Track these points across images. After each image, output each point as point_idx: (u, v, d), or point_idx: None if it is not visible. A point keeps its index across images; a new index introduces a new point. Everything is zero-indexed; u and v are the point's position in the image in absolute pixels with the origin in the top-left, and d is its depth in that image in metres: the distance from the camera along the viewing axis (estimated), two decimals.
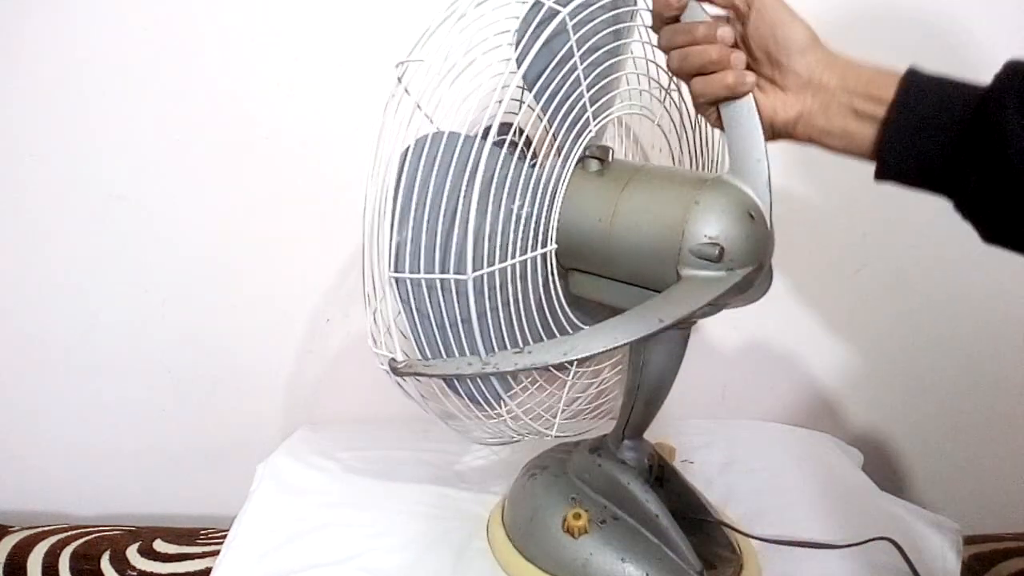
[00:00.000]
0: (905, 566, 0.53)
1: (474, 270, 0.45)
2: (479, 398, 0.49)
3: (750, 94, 0.44)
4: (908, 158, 0.41)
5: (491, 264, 0.46)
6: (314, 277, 0.77)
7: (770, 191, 0.44)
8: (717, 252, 0.42)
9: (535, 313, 0.49)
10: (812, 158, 0.63)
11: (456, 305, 0.46)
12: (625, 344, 0.44)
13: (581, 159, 0.51)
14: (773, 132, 0.45)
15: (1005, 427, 0.87)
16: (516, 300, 0.48)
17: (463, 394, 0.49)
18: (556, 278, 0.50)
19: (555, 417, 0.56)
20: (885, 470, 0.87)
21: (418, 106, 0.46)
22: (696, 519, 0.51)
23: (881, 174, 0.43)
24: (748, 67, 0.44)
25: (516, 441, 0.55)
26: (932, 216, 0.79)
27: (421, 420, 0.80)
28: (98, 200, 0.72)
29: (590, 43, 0.47)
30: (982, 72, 0.40)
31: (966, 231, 0.86)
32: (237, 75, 0.70)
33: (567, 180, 0.49)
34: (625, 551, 0.51)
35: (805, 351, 0.84)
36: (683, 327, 0.49)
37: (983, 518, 0.79)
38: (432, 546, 0.56)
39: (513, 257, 0.47)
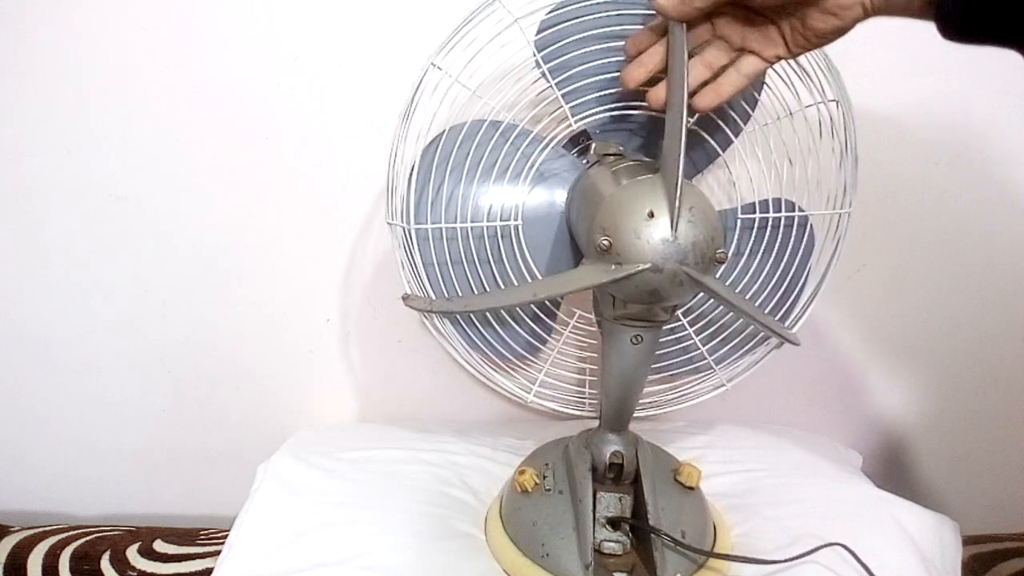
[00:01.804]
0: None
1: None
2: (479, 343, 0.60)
3: (679, 97, 0.44)
4: (968, 14, 0.39)
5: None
6: (314, 277, 0.77)
7: (679, 191, 0.43)
8: (606, 244, 0.44)
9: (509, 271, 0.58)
10: None
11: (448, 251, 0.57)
12: (506, 306, 0.57)
13: (594, 154, 0.57)
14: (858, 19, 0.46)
15: (1005, 427, 0.87)
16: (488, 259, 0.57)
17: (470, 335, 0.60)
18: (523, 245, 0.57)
19: (534, 384, 0.63)
20: (885, 470, 0.87)
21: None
22: (645, 527, 0.52)
23: (945, 34, 0.41)
24: (778, 23, 0.46)
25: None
26: (932, 215, 0.79)
27: (421, 420, 0.81)
28: (98, 200, 0.72)
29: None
30: None
31: (965, 231, 0.86)
32: (237, 75, 0.70)
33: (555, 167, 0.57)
34: (543, 518, 0.54)
35: (804, 351, 0.83)
36: (641, 327, 0.50)
37: (983, 518, 0.79)
38: (433, 543, 0.56)
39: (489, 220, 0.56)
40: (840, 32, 0.46)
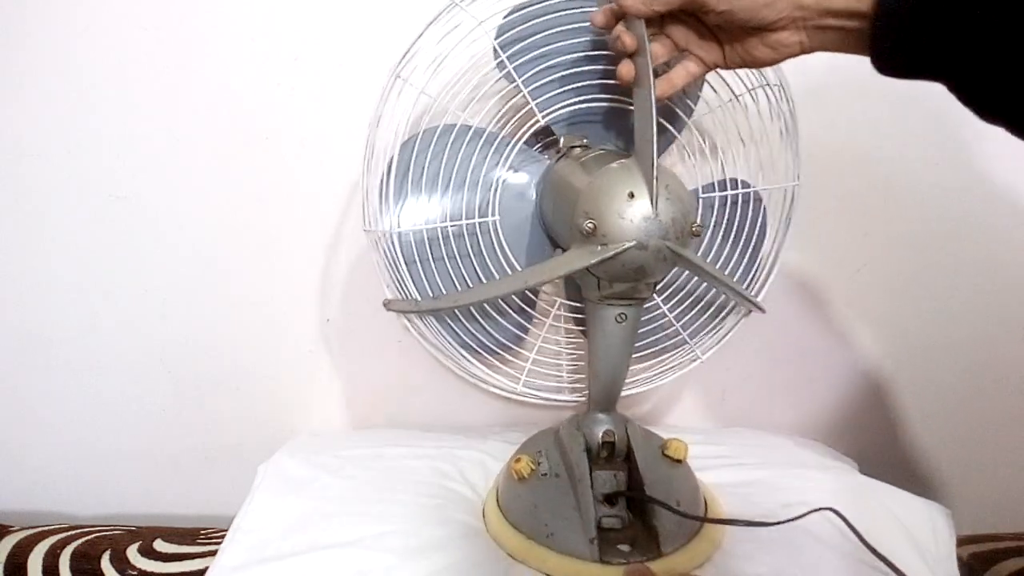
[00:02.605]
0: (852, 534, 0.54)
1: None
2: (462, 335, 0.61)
3: (646, 82, 0.47)
4: (898, 53, 0.43)
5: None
6: (314, 277, 0.77)
7: (655, 171, 0.45)
8: (591, 227, 0.47)
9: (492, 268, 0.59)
10: (812, 157, 0.63)
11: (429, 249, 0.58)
12: (498, 296, 0.58)
13: (561, 147, 0.59)
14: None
15: (1005, 427, 0.87)
16: (463, 255, 0.58)
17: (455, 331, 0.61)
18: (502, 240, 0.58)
19: (522, 374, 0.64)
20: (883, 470, 0.87)
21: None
22: (644, 498, 0.54)
23: (880, 70, 0.45)
24: (732, 41, 0.49)
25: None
26: (932, 215, 0.79)
27: (420, 419, 0.81)
28: (98, 200, 0.72)
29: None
30: None
31: (965, 231, 0.86)
32: (237, 75, 0.70)
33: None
34: (544, 502, 0.55)
35: (805, 351, 0.84)
36: (625, 305, 0.52)
37: (983, 518, 0.79)
38: (435, 529, 0.57)
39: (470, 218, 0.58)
40: (774, 63, 0.50)
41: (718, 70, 0.53)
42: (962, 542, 0.62)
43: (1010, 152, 0.77)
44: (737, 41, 0.49)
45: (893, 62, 0.44)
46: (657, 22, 0.50)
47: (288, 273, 0.76)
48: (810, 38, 0.47)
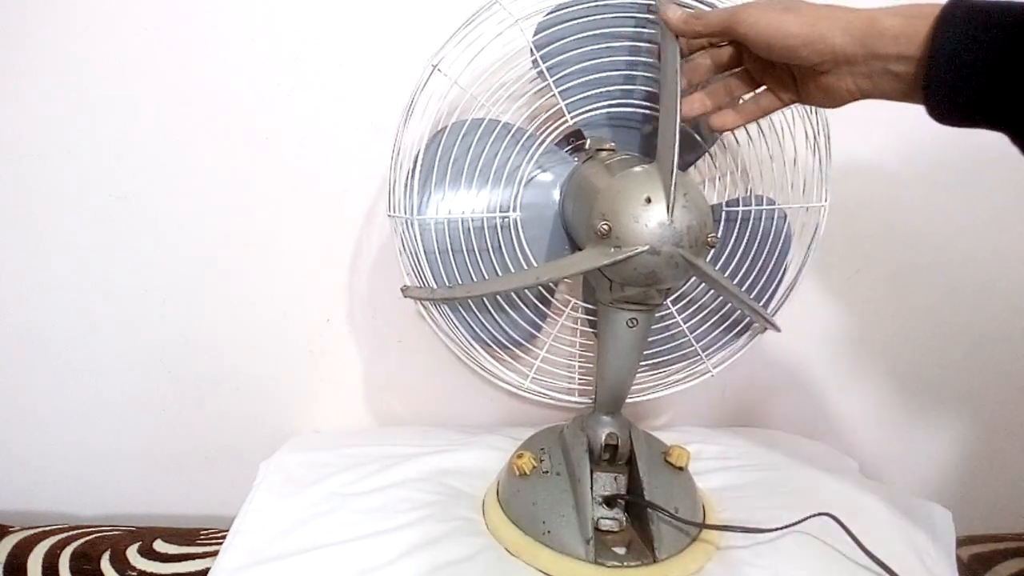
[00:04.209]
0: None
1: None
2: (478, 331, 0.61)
3: (673, 89, 0.47)
4: (955, 101, 0.41)
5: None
6: (314, 277, 0.77)
7: (674, 179, 0.46)
8: (606, 229, 0.47)
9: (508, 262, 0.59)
10: None
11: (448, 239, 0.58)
12: (510, 290, 0.57)
13: (588, 150, 0.59)
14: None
15: (1005, 427, 0.87)
16: (488, 248, 0.59)
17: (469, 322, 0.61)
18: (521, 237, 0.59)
19: (530, 370, 0.64)
20: (882, 471, 0.87)
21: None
22: (643, 503, 0.54)
23: (935, 118, 0.43)
24: (786, 81, 0.49)
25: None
26: (931, 216, 0.79)
27: (421, 419, 0.81)
28: (98, 200, 0.72)
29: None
30: None
31: (967, 231, 0.86)
32: (237, 75, 0.70)
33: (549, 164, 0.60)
34: (543, 499, 0.56)
35: (805, 352, 0.84)
36: (636, 310, 0.52)
37: (983, 518, 0.79)
38: (436, 525, 0.57)
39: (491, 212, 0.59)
40: (833, 107, 0.49)
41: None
42: (962, 543, 0.62)
43: (1009, 155, 0.77)
44: (801, 82, 0.49)
45: (950, 110, 0.42)
46: (735, 53, 0.51)
47: (288, 273, 0.76)
48: (859, 84, 0.45)
